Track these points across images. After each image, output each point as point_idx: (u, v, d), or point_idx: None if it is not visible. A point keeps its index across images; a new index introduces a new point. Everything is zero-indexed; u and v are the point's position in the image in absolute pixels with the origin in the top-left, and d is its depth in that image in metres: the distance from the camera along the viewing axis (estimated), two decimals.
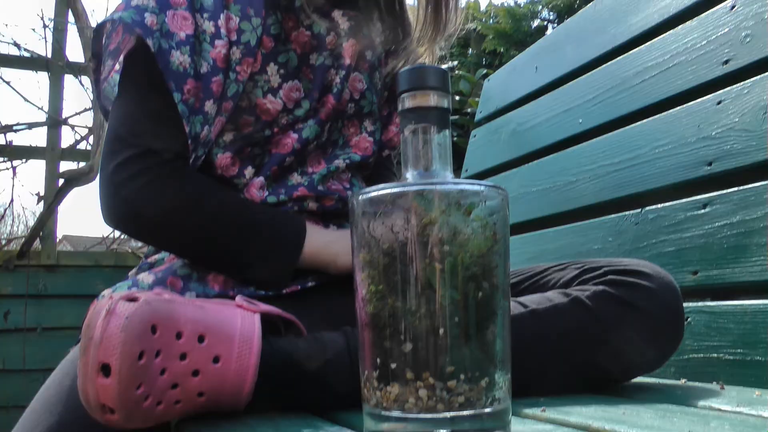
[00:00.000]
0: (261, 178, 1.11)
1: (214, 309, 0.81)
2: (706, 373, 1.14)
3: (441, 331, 0.62)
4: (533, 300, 0.97)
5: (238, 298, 0.87)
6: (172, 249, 1.09)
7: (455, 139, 3.34)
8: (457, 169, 2.77)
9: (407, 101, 0.67)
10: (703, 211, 1.23)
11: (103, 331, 0.67)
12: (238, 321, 0.81)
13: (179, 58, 1.02)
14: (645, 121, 1.44)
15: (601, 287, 0.96)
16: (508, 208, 0.69)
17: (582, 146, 1.61)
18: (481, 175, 1.99)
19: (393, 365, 0.61)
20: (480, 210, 0.67)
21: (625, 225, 1.40)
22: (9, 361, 2.74)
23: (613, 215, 1.46)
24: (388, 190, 0.66)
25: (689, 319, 1.18)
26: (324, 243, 1.09)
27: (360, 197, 0.67)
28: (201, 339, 0.75)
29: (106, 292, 1.01)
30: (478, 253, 0.66)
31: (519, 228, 1.75)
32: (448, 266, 0.64)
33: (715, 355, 1.13)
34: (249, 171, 1.12)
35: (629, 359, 0.98)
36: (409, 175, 0.69)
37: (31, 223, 3.00)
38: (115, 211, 1.05)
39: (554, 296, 0.97)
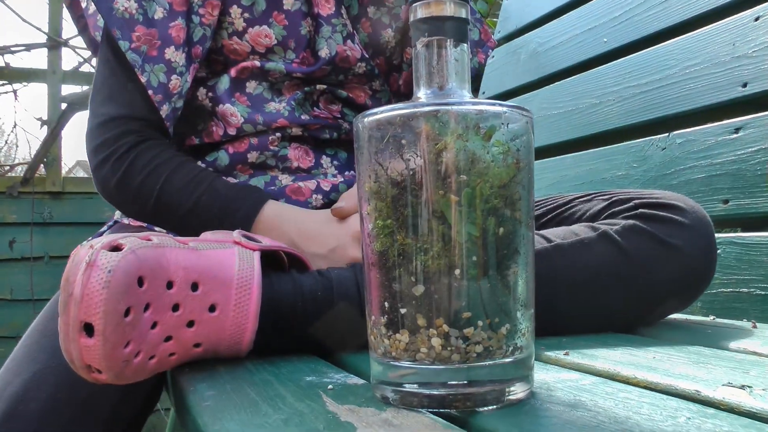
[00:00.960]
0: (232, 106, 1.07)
1: (209, 252, 0.74)
2: (734, 309, 1.08)
3: (456, 271, 0.56)
4: (557, 233, 0.90)
5: (236, 233, 0.81)
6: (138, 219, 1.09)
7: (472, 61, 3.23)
8: (474, 92, 2.69)
9: (419, 10, 0.60)
10: (735, 135, 1.15)
11: (84, 287, 0.60)
12: (236, 263, 0.75)
13: (124, 4, 0.99)
14: (675, 39, 1.34)
15: (631, 221, 0.89)
16: (533, 133, 0.62)
17: (607, 67, 1.52)
18: (499, 98, 1.91)
19: (403, 310, 0.55)
20: (501, 134, 0.60)
21: (652, 150, 1.33)
22: (17, 291, 2.72)
23: (638, 140, 1.38)
24: (398, 111, 0.59)
25: (719, 251, 1.11)
26: (289, 228, 1.00)
27: (365, 119, 0.60)
28: (195, 287, 0.69)
29: (94, 242, 0.96)
30: (498, 183, 0.59)
31: (538, 153, 1.68)
32: (465, 198, 0.57)
33: (745, 290, 1.07)
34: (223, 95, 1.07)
35: (660, 300, 0.92)
36: (422, 94, 0.62)
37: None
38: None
39: (580, 230, 0.90)
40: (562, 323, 0.87)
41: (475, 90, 1.89)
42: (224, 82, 1.09)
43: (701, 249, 0.91)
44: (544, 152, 1.66)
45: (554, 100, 1.67)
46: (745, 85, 1.16)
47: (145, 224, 1.11)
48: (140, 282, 0.63)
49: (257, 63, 1.08)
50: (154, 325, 0.65)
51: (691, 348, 0.74)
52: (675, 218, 0.90)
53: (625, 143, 1.42)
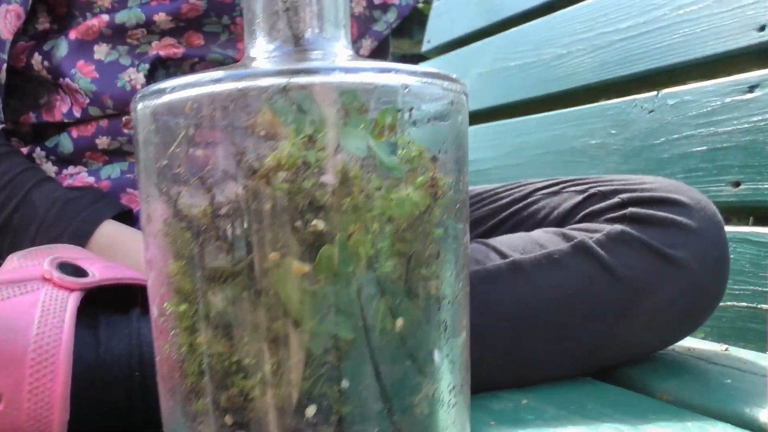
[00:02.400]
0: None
1: None
2: (750, 331, 0.81)
3: (309, 411, 0.28)
4: (514, 244, 0.63)
5: (48, 262, 0.53)
6: None
7: (420, 4, 2.90)
8: (415, 44, 2.39)
9: None
10: (749, 95, 0.88)
11: None
12: (35, 320, 0.48)
13: None
14: None
15: (618, 227, 0.62)
16: (466, 113, 0.33)
17: (576, 8, 1.23)
18: (446, 47, 1.61)
19: None
20: (409, 125, 0.31)
21: (635, 113, 1.04)
22: None
23: (617, 100, 1.09)
24: (207, 87, 0.30)
25: None
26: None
27: (145, 102, 0.30)
28: None
29: None
30: (398, 226, 0.30)
31: (492, 114, 1.39)
32: (325, 264, 0.28)
33: (765, 306, 0.80)
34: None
35: (656, 331, 0.66)
36: (258, 52, 0.33)
37: None
38: None
39: (547, 238, 0.64)
40: (525, 369, 0.62)
41: (417, 42, 1.59)
42: (62, 48, 0.79)
43: (713, 261, 0.66)
44: (499, 113, 1.38)
45: (512, 50, 1.37)
46: (762, 29, 0.88)
47: None
48: None
49: (105, 18, 0.77)
50: None
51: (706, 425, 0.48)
52: (677, 220, 0.64)
53: (600, 103, 1.13)
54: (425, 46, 1.69)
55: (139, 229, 0.74)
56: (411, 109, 0.28)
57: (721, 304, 0.82)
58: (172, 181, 0.30)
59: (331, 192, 0.27)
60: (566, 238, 0.64)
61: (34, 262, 0.55)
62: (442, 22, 1.66)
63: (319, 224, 0.27)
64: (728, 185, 0.87)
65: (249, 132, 0.28)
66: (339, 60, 0.31)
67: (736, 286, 0.83)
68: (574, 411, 0.58)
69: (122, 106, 0.79)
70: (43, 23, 0.82)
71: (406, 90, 0.28)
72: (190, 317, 0.30)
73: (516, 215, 0.74)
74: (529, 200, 0.74)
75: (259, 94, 0.28)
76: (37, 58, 0.81)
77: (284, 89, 0.28)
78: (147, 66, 0.80)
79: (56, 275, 0.54)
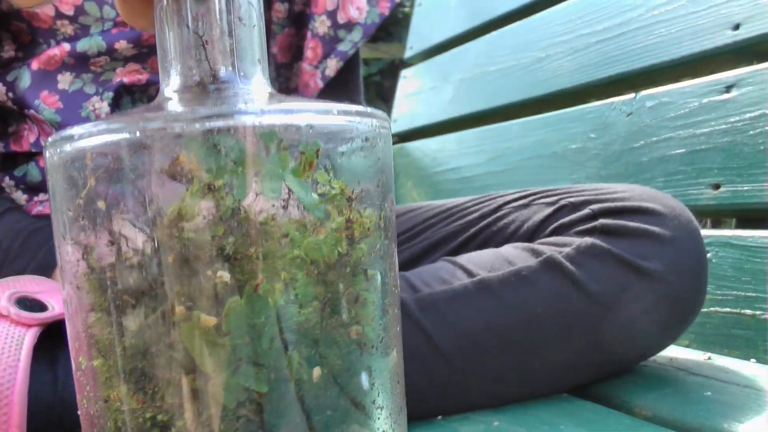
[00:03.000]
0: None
1: None
2: (734, 338, 0.79)
3: None
4: (482, 262, 0.61)
5: (6, 298, 0.51)
6: None
7: (406, 9, 2.86)
8: (397, 49, 2.38)
9: None
10: (726, 96, 0.86)
11: None
12: None
13: None
14: None
15: (589, 240, 0.61)
16: (386, 145, 0.31)
17: (553, 10, 1.21)
18: (429, 53, 1.59)
19: None
20: (322, 164, 0.29)
21: (614, 116, 1.03)
22: None
23: (596, 103, 1.08)
24: (110, 135, 0.28)
25: (708, 255, 0.83)
26: None
27: (53, 150, 0.29)
28: None
29: None
30: (319, 267, 0.29)
31: (475, 120, 1.37)
32: (232, 318, 0.27)
33: (749, 311, 0.78)
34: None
35: (631, 346, 0.64)
36: (172, 91, 0.31)
37: None
38: None
39: (516, 254, 0.62)
40: (497, 389, 0.60)
41: (405, 46, 1.57)
42: (24, 79, 0.77)
43: (689, 272, 0.64)
44: (481, 118, 1.36)
45: (492, 54, 1.35)
46: (736, 28, 0.86)
47: None
48: None
49: (66, 47, 0.76)
50: None
51: None
52: (650, 230, 0.62)
53: (579, 107, 1.11)
54: (408, 53, 1.67)
55: None
56: (317, 150, 0.27)
57: (704, 309, 0.81)
58: (80, 232, 0.28)
59: (234, 241, 0.25)
60: (535, 253, 0.62)
61: None
62: (423, 28, 1.64)
63: (224, 275, 0.25)
64: (708, 188, 0.86)
65: (153, 181, 0.26)
66: (255, 97, 0.30)
67: (719, 291, 0.81)
68: (551, 426, 0.57)
69: None
70: (8, 51, 0.81)
71: (311, 129, 0.26)
72: (105, 372, 0.28)
73: (485, 230, 0.72)
74: (498, 214, 0.73)
75: (160, 140, 0.26)
76: (1, 89, 0.79)
77: (208, 131, 0.26)
78: (111, 94, 0.79)
79: (13, 311, 0.52)
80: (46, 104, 0.77)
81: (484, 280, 0.60)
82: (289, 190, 0.27)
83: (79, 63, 0.78)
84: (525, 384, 0.63)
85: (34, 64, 0.77)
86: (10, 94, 0.79)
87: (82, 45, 0.77)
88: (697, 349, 0.81)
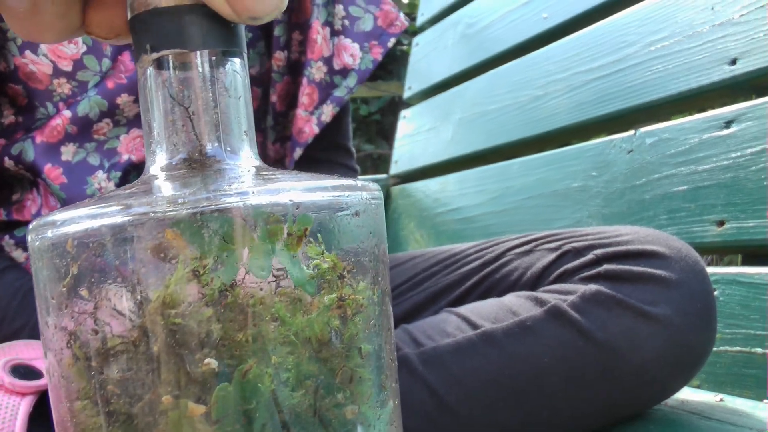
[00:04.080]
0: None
1: None
2: (745, 377, 0.78)
3: None
4: (486, 312, 0.60)
5: (1, 367, 0.50)
6: None
7: (404, 47, 2.88)
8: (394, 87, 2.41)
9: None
10: (727, 131, 0.85)
11: None
12: None
13: None
14: (634, 8, 1.04)
15: (593, 287, 0.60)
16: (378, 214, 0.30)
17: (549, 48, 1.21)
18: (427, 93, 1.59)
19: None
20: (320, 237, 0.29)
21: (614, 154, 1.02)
22: None
23: (596, 141, 1.07)
24: (101, 219, 0.28)
25: (716, 293, 0.81)
26: None
27: (34, 235, 0.28)
28: None
29: None
30: (311, 349, 0.28)
31: (475, 159, 1.37)
32: (219, 406, 0.26)
33: (759, 350, 0.77)
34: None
35: (641, 393, 0.63)
36: (158, 169, 0.30)
37: None
38: None
39: (519, 304, 0.61)
40: None
41: (399, 86, 1.57)
42: (29, 153, 0.76)
43: (697, 315, 0.63)
44: (481, 158, 1.35)
45: (490, 93, 1.35)
46: (734, 62, 0.85)
47: None
48: None
49: (67, 114, 0.75)
50: None
51: None
52: (655, 274, 0.61)
53: (579, 145, 1.11)
54: (406, 93, 1.67)
55: None
56: (306, 229, 0.26)
57: (714, 349, 0.79)
58: (63, 319, 0.27)
59: (222, 327, 0.25)
60: (539, 302, 0.61)
61: None
62: (422, 68, 1.64)
63: (211, 362, 0.24)
64: (713, 225, 0.85)
65: (137, 267, 0.26)
66: (242, 174, 0.29)
67: (727, 330, 0.80)
68: None
69: None
70: (8, 116, 0.80)
71: (297, 208, 0.26)
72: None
73: (488, 278, 0.71)
74: (501, 261, 0.71)
75: (144, 225, 0.26)
76: (9, 162, 0.78)
77: (162, 222, 0.25)
78: (119, 174, 0.78)
79: (8, 381, 0.52)
80: (50, 179, 0.77)
81: (487, 332, 0.59)
82: (284, 266, 0.27)
83: (82, 131, 0.77)
84: None
85: (38, 138, 0.77)
86: (20, 165, 0.78)
87: (83, 108, 0.76)
88: (708, 390, 0.80)
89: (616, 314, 0.60)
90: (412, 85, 1.65)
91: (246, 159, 0.29)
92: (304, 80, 0.87)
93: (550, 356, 0.59)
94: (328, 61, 0.89)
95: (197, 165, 0.29)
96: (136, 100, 0.78)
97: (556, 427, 0.63)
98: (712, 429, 0.65)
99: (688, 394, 0.77)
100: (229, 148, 0.29)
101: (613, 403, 0.63)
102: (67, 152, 0.77)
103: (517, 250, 0.71)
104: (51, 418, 0.54)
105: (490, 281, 0.71)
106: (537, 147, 1.21)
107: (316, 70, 0.86)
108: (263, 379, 0.25)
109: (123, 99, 0.77)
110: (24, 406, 0.51)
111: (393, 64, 3.24)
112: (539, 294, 0.62)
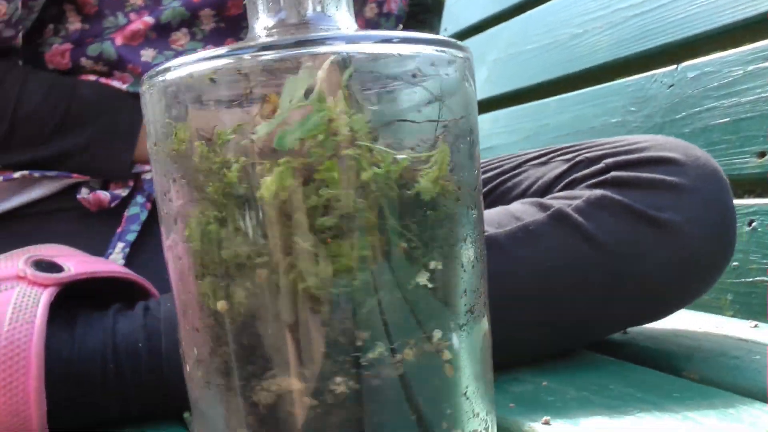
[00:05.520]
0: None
1: None
2: None
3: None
4: (489, 218, 0.61)
5: (23, 261, 0.52)
6: None
7: None
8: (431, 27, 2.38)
9: None
10: None
11: None
12: (6, 319, 0.48)
13: None
14: None
15: (599, 191, 0.59)
16: (473, 82, 0.32)
17: None
18: (462, 35, 1.58)
19: None
20: (413, 93, 0.30)
21: (655, 89, 1.02)
22: None
23: (636, 76, 1.07)
24: (210, 62, 0.29)
25: (754, 224, 0.82)
26: None
27: (152, 80, 0.30)
28: None
29: None
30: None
31: (510, 99, 1.37)
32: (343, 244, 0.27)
33: None
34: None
35: (647, 304, 0.62)
36: (262, 29, 0.32)
37: None
38: None
39: (524, 210, 0.61)
40: (512, 347, 0.58)
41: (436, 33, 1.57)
42: (110, 52, 0.78)
43: (710, 224, 0.61)
44: (517, 97, 1.35)
45: (527, 34, 1.35)
46: None
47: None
48: None
49: (149, 20, 0.76)
50: None
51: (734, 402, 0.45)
52: (665, 180, 0.59)
53: (618, 81, 1.10)
54: (442, 35, 1.66)
55: None
56: (421, 73, 0.27)
57: (749, 279, 0.80)
58: (186, 168, 0.29)
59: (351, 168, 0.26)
60: (543, 207, 0.60)
61: (12, 263, 0.55)
62: (458, 10, 1.63)
63: (339, 203, 0.25)
64: (753, 156, 0.84)
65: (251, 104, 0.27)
66: (342, 30, 0.30)
67: (765, 261, 0.80)
68: (596, 392, 0.56)
69: None
70: (74, 23, 0.81)
71: (415, 56, 0.27)
72: (212, 331, 0.29)
73: (500, 187, 0.71)
74: (516, 171, 0.72)
75: (261, 64, 0.27)
76: (87, 62, 0.80)
77: (295, 60, 0.27)
78: None
79: (30, 273, 0.54)
80: (134, 75, 0.79)
81: (491, 236, 0.59)
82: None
83: (161, 38, 0.79)
84: (540, 341, 0.62)
85: (118, 40, 0.78)
86: (101, 63, 0.80)
87: (165, 16, 0.78)
88: (742, 319, 0.80)
89: (621, 219, 0.59)
90: (448, 26, 1.64)
91: (344, 22, 0.31)
92: (359, 16, 0.90)
93: (554, 260, 0.59)
94: (380, 4, 0.92)
95: (297, 28, 0.30)
96: (217, 15, 0.79)
97: (561, 335, 0.63)
98: (746, 349, 0.66)
99: (721, 321, 0.78)
100: (329, 14, 0.30)
101: (617, 312, 0.63)
102: (147, 55, 0.79)
103: (534, 162, 0.71)
104: (73, 311, 0.56)
105: (502, 190, 0.71)
106: (575, 85, 1.20)
107: (369, 9, 0.90)
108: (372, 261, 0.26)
109: (204, 12, 0.79)
110: (45, 297, 0.53)
111: (425, 14, 3.21)
112: (544, 200, 0.62)
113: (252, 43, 0.28)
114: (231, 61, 0.27)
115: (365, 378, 0.27)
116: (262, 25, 0.31)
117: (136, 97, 0.79)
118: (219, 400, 0.29)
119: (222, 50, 0.28)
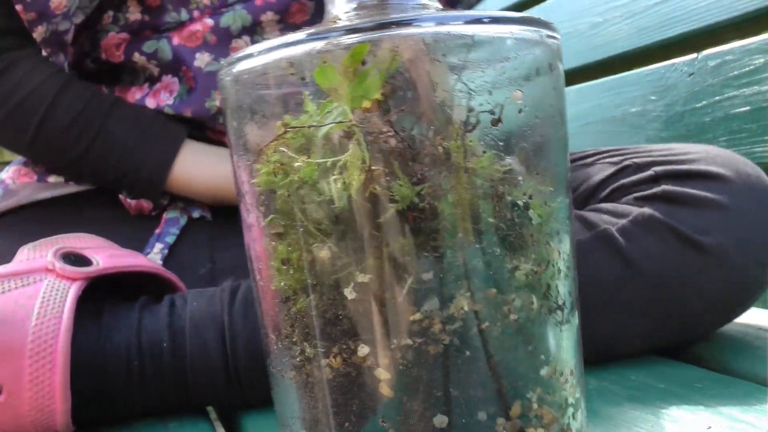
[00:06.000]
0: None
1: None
2: None
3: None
4: None
5: (52, 253, 0.53)
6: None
7: None
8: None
9: None
10: None
11: None
12: (34, 312, 0.49)
13: None
14: None
15: (648, 211, 0.58)
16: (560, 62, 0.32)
17: None
18: None
19: None
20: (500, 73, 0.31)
21: (675, 77, 1.01)
22: None
23: (656, 65, 1.06)
24: (289, 49, 0.29)
25: None
26: (211, 165, 0.74)
27: (228, 70, 0.31)
28: None
29: None
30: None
31: None
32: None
33: None
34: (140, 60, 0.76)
35: (684, 327, 0.62)
36: (340, 9, 0.32)
37: None
38: None
39: None
40: None
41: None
42: (166, 51, 0.78)
43: (755, 248, 0.59)
44: None
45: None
46: None
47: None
48: None
49: (209, 22, 0.76)
50: None
51: None
52: (712, 198, 0.58)
53: (638, 70, 1.10)
54: None
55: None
56: (510, 54, 0.28)
57: None
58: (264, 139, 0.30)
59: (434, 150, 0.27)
60: (588, 225, 0.59)
61: (41, 253, 0.56)
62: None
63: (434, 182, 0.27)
64: None
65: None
66: (425, 9, 0.31)
67: None
68: (616, 381, 0.57)
69: (197, 123, 0.79)
70: (134, 12, 0.80)
71: (507, 38, 0.27)
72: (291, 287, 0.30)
73: None
74: None
75: (342, 47, 0.27)
76: (140, 58, 0.80)
77: (373, 42, 0.27)
78: None
79: (58, 266, 0.54)
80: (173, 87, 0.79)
81: None
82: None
83: (221, 43, 0.78)
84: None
85: (175, 39, 0.78)
86: (154, 62, 0.80)
87: (226, 20, 0.77)
88: (764, 309, 0.80)
89: (664, 242, 0.58)
90: None
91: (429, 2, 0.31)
92: None
93: (593, 280, 0.57)
94: None
95: (376, 8, 0.30)
96: (280, 21, 0.78)
97: (590, 349, 0.63)
98: None
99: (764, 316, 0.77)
100: None
101: (651, 333, 0.62)
102: (201, 60, 0.79)
103: (579, 163, 0.71)
104: (99, 304, 0.57)
105: None
106: (595, 74, 1.20)
107: None
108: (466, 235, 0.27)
109: (267, 17, 0.78)
110: (73, 291, 0.53)
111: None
112: (589, 216, 0.61)
113: (335, 26, 0.28)
114: (315, 45, 0.27)
115: (453, 343, 0.28)
116: (342, 8, 0.31)
117: (174, 119, 0.79)
118: (301, 370, 0.30)
119: (302, 34, 0.28)
